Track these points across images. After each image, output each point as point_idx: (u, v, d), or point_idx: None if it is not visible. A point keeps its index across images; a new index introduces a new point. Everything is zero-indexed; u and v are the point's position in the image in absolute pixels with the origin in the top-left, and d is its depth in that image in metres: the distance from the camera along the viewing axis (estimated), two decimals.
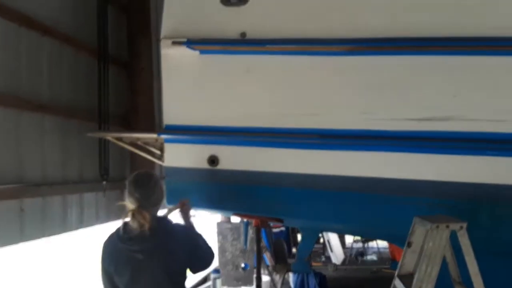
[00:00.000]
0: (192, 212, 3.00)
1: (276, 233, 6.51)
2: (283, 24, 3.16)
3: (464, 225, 2.51)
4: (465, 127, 2.92)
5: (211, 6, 3.28)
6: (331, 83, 3.14)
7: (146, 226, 2.35)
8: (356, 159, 3.16)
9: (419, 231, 2.68)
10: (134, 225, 2.37)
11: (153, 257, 2.39)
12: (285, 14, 3.18)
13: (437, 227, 2.51)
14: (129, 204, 2.45)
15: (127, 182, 2.53)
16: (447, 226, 2.51)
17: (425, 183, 3.06)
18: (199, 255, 2.61)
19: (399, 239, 3.00)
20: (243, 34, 3.23)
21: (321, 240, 8.30)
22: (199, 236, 2.70)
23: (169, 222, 2.61)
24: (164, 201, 2.64)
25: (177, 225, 2.67)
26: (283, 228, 7.13)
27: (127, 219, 2.42)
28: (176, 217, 2.81)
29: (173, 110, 3.42)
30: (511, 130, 2.86)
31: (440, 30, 2.90)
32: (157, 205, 2.55)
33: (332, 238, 7.75)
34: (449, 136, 2.95)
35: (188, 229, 2.73)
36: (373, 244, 8.86)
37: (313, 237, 3.96)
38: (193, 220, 2.87)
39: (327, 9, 3.10)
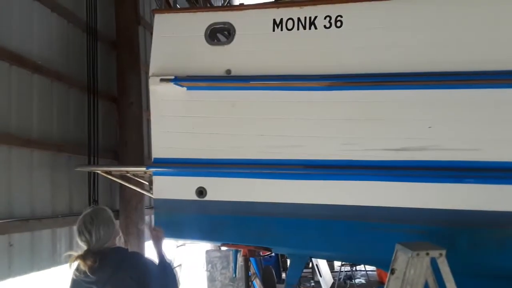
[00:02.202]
0: (164, 240, 3.00)
1: (265, 259, 6.53)
2: (266, 61, 3.35)
3: (443, 252, 2.62)
4: (440, 157, 3.09)
5: (197, 45, 3.46)
6: (313, 116, 3.30)
7: (92, 267, 2.46)
8: (338, 188, 3.30)
9: (401, 258, 2.77)
10: (83, 268, 2.47)
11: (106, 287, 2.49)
12: (267, 52, 3.37)
13: (418, 254, 2.61)
14: (80, 242, 2.58)
15: (78, 220, 2.61)
16: (427, 254, 2.61)
17: (405, 210, 3.19)
18: (155, 282, 2.66)
19: (384, 264, 3.09)
20: (228, 71, 3.40)
21: (310, 265, 8.33)
22: (158, 264, 2.77)
23: (125, 252, 2.72)
24: (118, 230, 2.71)
25: (133, 254, 2.78)
26: (272, 254, 7.15)
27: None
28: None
29: (161, 144, 3.54)
30: (484, 158, 3.04)
31: (415, 66, 3.10)
32: (109, 240, 2.60)
33: (321, 262, 7.79)
34: (425, 165, 3.11)
35: (145, 258, 2.82)
36: (361, 267, 8.90)
37: (301, 263, 4.03)
38: (165, 248, 2.94)
39: (307, 47, 3.30)
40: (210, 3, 5.04)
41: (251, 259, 5.44)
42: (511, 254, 3.04)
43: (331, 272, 8.67)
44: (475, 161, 3.03)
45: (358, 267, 8.89)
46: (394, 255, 2.82)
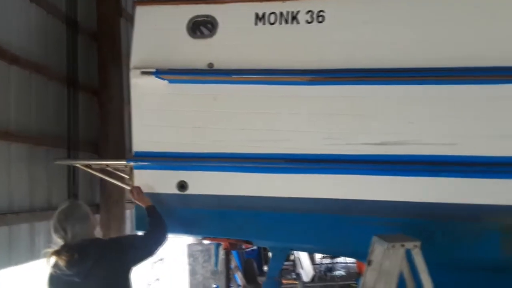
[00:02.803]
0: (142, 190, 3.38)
1: (247, 252, 6.57)
2: (248, 55, 3.34)
3: (418, 244, 2.69)
4: (419, 151, 3.15)
5: (179, 38, 3.42)
6: (295, 111, 3.31)
7: (70, 261, 2.47)
8: (319, 182, 3.33)
9: (378, 250, 2.83)
10: (61, 263, 2.48)
11: (89, 278, 2.52)
12: (250, 46, 3.36)
13: (393, 246, 2.68)
14: (56, 238, 2.60)
15: (53, 217, 2.63)
16: (402, 245, 2.68)
17: (385, 203, 3.25)
18: (137, 254, 2.82)
19: (363, 256, 3.12)
20: (210, 65, 3.39)
21: (292, 258, 8.41)
22: (132, 239, 3.05)
23: (104, 242, 2.84)
24: (94, 223, 2.80)
25: (112, 241, 2.99)
26: (254, 247, 7.20)
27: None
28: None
29: (142, 137, 3.51)
30: (460, 153, 3.11)
31: (396, 62, 3.14)
32: (85, 235, 2.64)
33: (302, 255, 7.88)
34: (405, 159, 3.17)
35: (124, 238, 3.07)
36: (341, 259, 9.03)
37: (282, 256, 4.07)
38: (148, 201, 3.28)
39: (290, 42, 3.30)
40: None
41: (233, 252, 5.47)
42: (486, 246, 3.14)
43: (312, 264, 8.78)
44: (452, 155, 3.10)
45: (338, 259, 9.02)
46: (371, 247, 2.88)
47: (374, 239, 2.88)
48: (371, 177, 3.25)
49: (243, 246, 5.78)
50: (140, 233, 3.26)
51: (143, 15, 3.54)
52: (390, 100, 3.17)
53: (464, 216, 3.14)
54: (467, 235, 3.16)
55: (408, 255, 2.73)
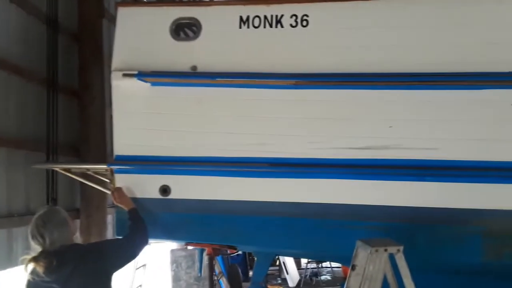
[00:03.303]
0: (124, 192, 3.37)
1: (232, 258, 6.51)
2: (232, 58, 3.31)
3: (401, 248, 2.70)
4: (401, 155, 3.16)
5: (162, 40, 3.38)
6: (279, 115, 3.29)
7: (49, 267, 2.45)
8: (304, 186, 3.31)
9: (361, 254, 2.83)
10: (40, 270, 2.45)
11: (68, 285, 2.49)
12: (234, 49, 3.33)
13: (376, 250, 2.68)
14: (34, 245, 2.57)
15: (31, 223, 2.60)
16: (386, 250, 2.69)
17: (368, 207, 3.26)
18: (117, 259, 2.81)
19: (348, 260, 3.12)
20: (194, 68, 3.35)
21: (277, 263, 8.38)
22: (112, 243, 3.07)
23: (82, 247, 2.83)
24: (73, 229, 2.77)
25: (91, 246, 2.99)
26: (239, 252, 7.15)
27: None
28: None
29: (124, 141, 3.45)
30: (442, 157, 3.13)
31: (379, 66, 3.16)
32: (64, 241, 2.61)
33: (288, 260, 7.85)
34: (387, 163, 3.18)
35: (104, 243, 3.10)
36: (327, 264, 9.04)
37: (267, 261, 4.03)
38: (130, 202, 3.28)
39: (274, 45, 3.29)
40: None
41: (218, 257, 5.41)
42: (468, 250, 3.17)
43: (298, 269, 8.76)
44: (434, 159, 3.12)
45: (324, 264, 9.02)
46: (354, 251, 2.88)
47: (358, 243, 2.88)
48: (354, 182, 3.25)
49: (228, 251, 5.72)
50: (120, 237, 3.20)
51: (125, 16, 3.49)
52: (373, 105, 3.18)
53: (446, 220, 3.16)
54: (450, 239, 3.18)
55: (392, 259, 2.74)
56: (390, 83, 3.15)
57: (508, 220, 3.11)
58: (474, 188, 3.11)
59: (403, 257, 2.69)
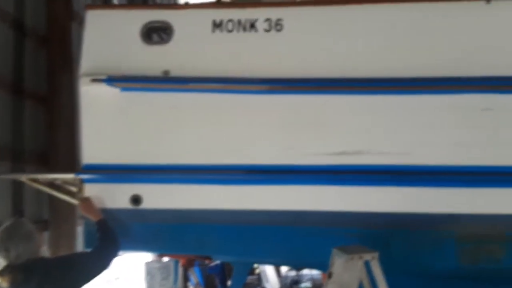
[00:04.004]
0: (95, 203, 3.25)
1: (210, 268, 6.39)
2: (205, 63, 3.24)
3: (376, 255, 2.72)
4: (375, 161, 3.14)
5: (132, 44, 3.28)
6: (254, 120, 3.23)
7: (15, 282, 2.41)
8: (279, 193, 3.25)
9: (338, 262, 2.82)
10: (5, 285, 2.41)
11: None
12: (207, 54, 3.26)
13: (352, 258, 2.69)
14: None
15: None
16: (361, 257, 2.70)
17: (343, 213, 3.22)
18: (85, 272, 2.74)
19: (325, 267, 3.08)
20: (166, 72, 3.25)
21: (257, 271, 8.27)
22: (80, 256, 3.03)
23: (49, 261, 2.77)
24: (39, 243, 2.70)
25: (56, 259, 2.95)
26: (218, 262, 7.00)
27: None
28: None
29: (92, 149, 3.33)
30: (417, 162, 3.12)
31: (354, 71, 3.14)
32: (30, 255, 2.54)
33: (268, 268, 7.76)
34: (361, 168, 3.15)
35: (71, 257, 3.06)
36: (307, 271, 8.98)
37: (245, 270, 3.94)
38: (99, 214, 3.17)
39: (248, 50, 3.23)
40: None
41: (195, 268, 5.28)
42: (443, 255, 3.16)
43: (278, 277, 8.66)
44: (407, 164, 3.11)
45: (304, 272, 8.96)
46: (331, 259, 2.88)
47: (334, 251, 2.88)
48: (330, 188, 3.21)
49: (206, 262, 5.60)
50: (89, 250, 3.09)
51: (94, 19, 3.39)
52: (347, 110, 3.16)
53: (420, 225, 3.15)
54: (424, 244, 3.17)
55: (367, 266, 2.75)
56: (363, 88, 3.14)
57: (482, 224, 3.12)
58: (448, 192, 3.11)
59: (378, 264, 2.70)
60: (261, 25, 3.21)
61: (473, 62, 3.07)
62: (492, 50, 3.08)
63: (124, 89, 3.26)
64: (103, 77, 3.21)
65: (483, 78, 3.05)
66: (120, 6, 3.43)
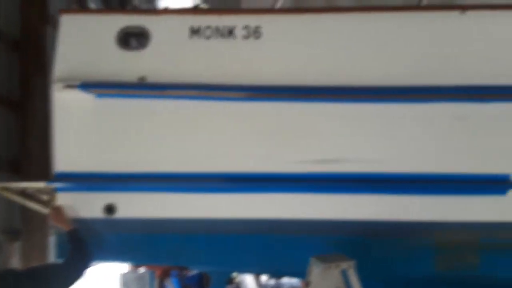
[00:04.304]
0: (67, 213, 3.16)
1: (188, 278, 6.29)
2: (183, 69, 3.20)
3: (352, 263, 2.74)
4: (352, 168, 3.15)
5: (108, 50, 3.22)
6: (232, 128, 3.20)
7: None
8: (257, 201, 3.22)
9: (315, 271, 2.84)
10: None
11: None
12: (184, 60, 3.22)
13: (329, 267, 2.71)
14: None
15: None
16: (338, 266, 2.73)
17: (321, 222, 3.21)
18: (56, 284, 2.73)
19: (304, 275, 3.05)
20: (142, 78, 3.20)
21: (236, 280, 8.19)
22: (51, 268, 2.99)
23: (18, 274, 2.70)
24: (8, 251, 2.63)
25: (25, 271, 2.84)
26: (196, 271, 6.90)
27: None
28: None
29: (65, 157, 3.23)
30: (395, 170, 3.14)
31: (332, 79, 3.15)
32: None
33: (247, 276, 7.69)
34: (339, 176, 3.16)
35: (37, 269, 2.95)
36: (286, 279, 8.94)
37: (222, 280, 3.88)
38: (70, 223, 3.09)
39: (226, 57, 3.20)
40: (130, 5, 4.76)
41: (173, 278, 5.18)
42: (421, 263, 3.19)
43: (259, 286, 8.59)
44: (385, 172, 3.13)
45: (284, 280, 8.91)
46: (308, 268, 2.89)
47: (312, 260, 2.89)
48: (308, 196, 3.20)
49: (184, 272, 5.50)
50: (60, 261, 3.02)
51: (69, 24, 3.31)
52: (324, 118, 3.15)
53: (397, 233, 3.17)
54: (401, 251, 3.19)
55: (344, 274, 2.77)
56: (342, 96, 3.15)
57: (458, 231, 3.16)
58: (424, 200, 3.14)
59: (354, 273, 2.73)
60: (239, 32, 3.19)
61: (448, 71, 3.12)
62: (467, 60, 3.14)
63: (99, 95, 3.19)
64: (77, 83, 3.14)
65: (457, 87, 3.10)
66: (96, 10, 3.35)
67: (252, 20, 3.19)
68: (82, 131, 3.22)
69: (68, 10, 3.45)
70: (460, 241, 3.19)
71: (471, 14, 3.10)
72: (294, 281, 9.05)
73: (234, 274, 6.99)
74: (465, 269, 3.22)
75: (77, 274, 2.86)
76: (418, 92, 3.09)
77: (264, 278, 9.36)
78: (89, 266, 2.98)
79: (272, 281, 8.83)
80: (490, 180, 3.15)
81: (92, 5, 4.21)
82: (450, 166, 3.15)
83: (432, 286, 3.22)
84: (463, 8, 3.10)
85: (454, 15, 3.11)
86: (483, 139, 3.15)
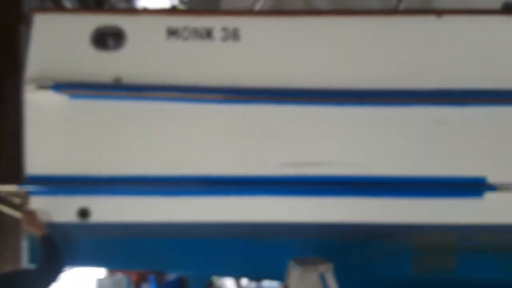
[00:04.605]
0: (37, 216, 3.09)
1: (168, 282, 6.22)
2: (159, 70, 3.15)
3: (330, 267, 2.75)
4: (331, 171, 3.15)
5: (82, 50, 3.15)
6: (209, 130, 3.17)
7: None
8: (234, 205, 3.19)
9: (294, 274, 2.84)
10: None
11: None
12: (161, 61, 3.17)
13: (307, 270, 2.71)
14: None
15: None
16: (316, 269, 2.73)
17: (300, 225, 3.20)
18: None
19: (282, 278, 3.05)
20: (117, 79, 3.14)
21: (217, 284, 8.13)
22: (22, 274, 2.92)
23: None
24: None
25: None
26: (175, 275, 6.82)
27: None
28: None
29: (37, 159, 3.15)
30: (372, 173, 3.16)
31: (309, 82, 3.14)
32: None
33: (227, 280, 7.63)
34: (318, 179, 3.15)
35: (8, 274, 2.96)
36: (267, 282, 8.91)
37: (200, 284, 3.84)
38: (43, 229, 3.02)
39: (204, 58, 3.17)
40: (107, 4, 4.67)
41: (152, 283, 5.10)
42: (398, 265, 3.22)
43: None
44: (363, 175, 3.14)
45: (265, 283, 8.89)
46: (287, 271, 2.89)
47: (290, 263, 2.88)
48: (287, 199, 3.19)
49: (162, 276, 5.42)
50: (32, 267, 2.96)
51: (42, 23, 3.22)
52: (304, 120, 3.15)
53: (376, 235, 3.18)
54: (380, 254, 3.21)
55: (323, 277, 2.76)
56: (319, 99, 3.15)
57: (435, 234, 3.19)
58: (401, 203, 3.16)
59: (332, 276, 2.74)
60: (217, 33, 3.16)
61: (425, 75, 3.15)
62: (443, 64, 3.17)
63: (73, 96, 3.11)
64: (51, 83, 3.06)
65: (435, 91, 3.14)
66: (71, 10, 3.27)
67: (231, 22, 3.16)
68: (55, 133, 3.14)
69: (41, 9, 3.38)
70: (437, 243, 3.22)
71: (447, 19, 3.13)
72: (275, 284, 9.05)
73: (214, 278, 6.94)
74: (441, 271, 3.25)
75: (50, 280, 2.82)
76: (395, 96, 3.10)
77: (244, 281, 9.32)
78: (62, 272, 2.91)
79: (253, 284, 8.80)
80: (467, 183, 3.19)
81: (68, 4, 4.11)
82: (427, 169, 3.17)
83: None
84: (439, 13, 3.13)
85: (430, 19, 3.14)
86: (460, 142, 3.19)
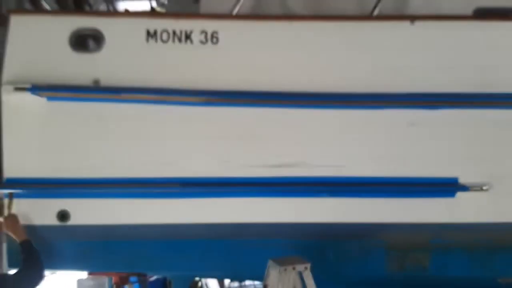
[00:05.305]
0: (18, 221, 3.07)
1: (151, 283, 6.21)
2: (139, 73, 3.15)
3: (308, 265, 2.79)
4: (310, 173, 3.22)
5: (60, 52, 3.13)
6: (189, 132, 3.19)
7: None
8: (215, 206, 3.23)
9: (272, 273, 2.88)
10: None
11: None
12: (140, 64, 3.17)
13: (285, 269, 2.75)
14: None
15: None
16: (294, 268, 2.77)
17: (279, 225, 3.26)
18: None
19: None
20: (96, 81, 3.13)
21: (199, 284, 8.13)
22: (1, 279, 2.86)
23: None
24: None
25: None
26: (158, 276, 6.82)
27: None
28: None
29: (15, 162, 3.13)
30: (348, 174, 3.24)
31: (289, 85, 3.18)
32: None
33: (210, 280, 7.64)
34: (297, 181, 3.21)
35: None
36: (250, 282, 8.96)
37: (184, 285, 3.88)
38: (23, 233, 3.00)
39: (183, 61, 3.19)
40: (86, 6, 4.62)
41: (135, 284, 5.10)
42: (373, 263, 3.31)
43: None
44: (339, 176, 3.22)
45: (247, 282, 8.93)
46: (266, 271, 2.93)
47: (269, 262, 2.92)
48: (267, 200, 3.24)
49: (145, 277, 5.42)
50: (12, 271, 2.94)
51: (19, 25, 3.18)
52: (283, 122, 3.19)
53: (352, 235, 3.26)
54: (355, 253, 3.29)
55: (301, 276, 2.81)
56: (299, 102, 3.20)
57: (409, 233, 3.28)
58: (376, 203, 3.24)
59: (310, 275, 2.78)
60: (196, 37, 3.18)
61: (399, 79, 3.22)
62: (417, 68, 3.25)
63: (51, 98, 3.10)
64: (28, 85, 3.04)
65: (409, 94, 3.21)
66: (48, 11, 3.25)
67: (210, 25, 3.18)
68: (32, 135, 3.13)
69: (18, 10, 3.33)
70: (411, 242, 3.31)
71: (420, 24, 3.22)
72: (258, 283, 9.11)
73: (197, 278, 6.95)
74: (416, 270, 3.34)
75: (31, 285, 2.81)
76: (369, 99, 3.18)
77: (227, 281, 9.35)
78: (42, 278, 2.91)
79: (236, 284, 8.83)
80: (440, 183, 3.29)
81: (47, 6, 4.07)
82: (401, 170, 3.26)
83: (384, 287, 3.32)
84: (413, 18, 3.21)
85: (404, 25, 3.22)
86: (433, 144, 3.28)
